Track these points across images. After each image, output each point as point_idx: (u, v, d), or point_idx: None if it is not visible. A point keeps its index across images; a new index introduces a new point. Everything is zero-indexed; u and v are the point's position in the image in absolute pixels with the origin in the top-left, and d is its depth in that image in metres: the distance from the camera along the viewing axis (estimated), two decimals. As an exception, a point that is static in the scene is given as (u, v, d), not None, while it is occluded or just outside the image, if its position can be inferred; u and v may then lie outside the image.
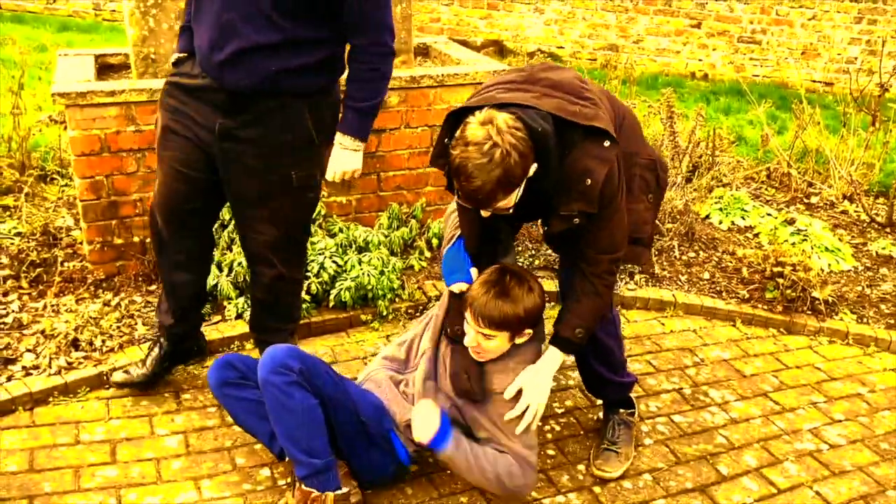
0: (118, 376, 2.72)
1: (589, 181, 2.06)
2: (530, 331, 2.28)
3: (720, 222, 4.50)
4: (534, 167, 2.01)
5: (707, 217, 4.53)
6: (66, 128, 3.20)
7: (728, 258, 4.09)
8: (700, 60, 8.15)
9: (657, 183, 2.42)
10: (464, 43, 6.82)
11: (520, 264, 2.28)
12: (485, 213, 2.14)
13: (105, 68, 3.52)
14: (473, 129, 1.93)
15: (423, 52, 4.22)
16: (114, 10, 8.28)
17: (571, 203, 2.09)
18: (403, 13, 3.67)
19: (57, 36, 7.25)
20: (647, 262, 2.64)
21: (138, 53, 3.25)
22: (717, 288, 3.83)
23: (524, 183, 2.02)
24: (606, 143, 2.07)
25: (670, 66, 8.17)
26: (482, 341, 2.23)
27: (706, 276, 3.93)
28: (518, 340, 2.28)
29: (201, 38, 2.25)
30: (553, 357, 2.31)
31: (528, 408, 2.24)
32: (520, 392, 2.25)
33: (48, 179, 4.09)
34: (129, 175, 3.21)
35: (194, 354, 2.87)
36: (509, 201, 2.02)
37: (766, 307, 3.68)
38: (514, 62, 6.90)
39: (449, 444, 2.20)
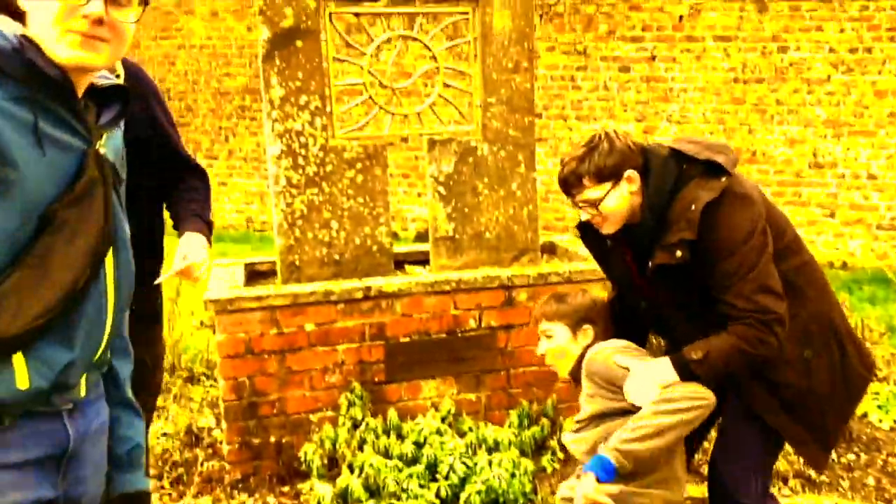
0: None
1: (693, 207, 2.05)
2: (589, 327, 2.37)
3: (880, 421, 4.12)
4: (635, 178, 2.13)
5: (864, 415, 4.17)
6: (214, 331, 3.42)
7: (894, 461, 3.70)
8: (837, 249, 7.89)
9: (838, 355, 2.22)
10: (589, 240, 6.93)
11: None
12: (584, 215, 2.21)
13: (254, 275, 3.80)
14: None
15: (550, 249, 4.31)
16: (264, 221, 9.05)
17: (676, 233, 2.07)
18: (530, 214, 3.81)
19: (212, 247, 7.94)
20: (823, 466, 2.39)
21: (284, 261, 3.50)
22: (886, 495, 3.43)
23: (623, 190, 2.12)
24: (723, 179, 2.07)
25: (805, 256, 7.94)
26: (546, 344, 2.41)
27: (871, 481, 3.55)
28: (581, 339, 2.37)
29: None
30: (662, 362, 2.15)
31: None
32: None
33: (195, 381, 4.31)
34: (269, 376, 3.34)
35: None
36: (600, 196, 2.13)
37: (947, 518, 3.25)
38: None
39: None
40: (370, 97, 3.63)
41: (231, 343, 3.28)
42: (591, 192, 2.12)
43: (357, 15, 3.67)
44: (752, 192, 2.12)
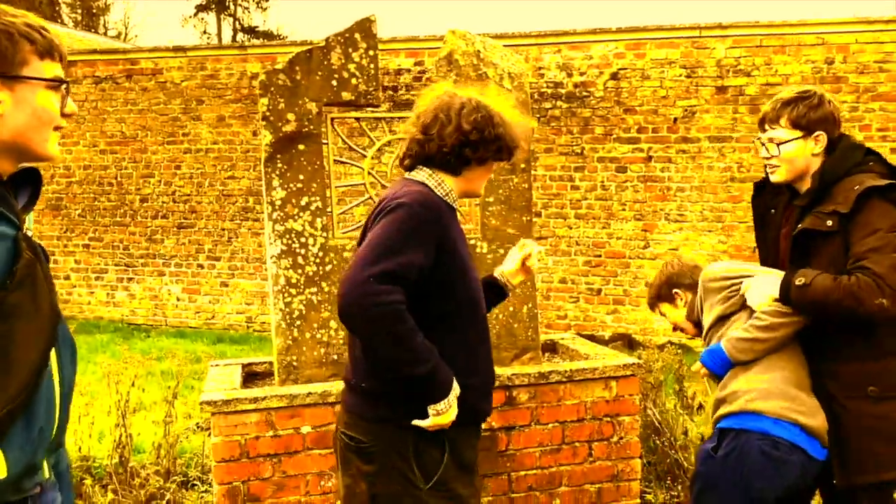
0: None
1: (856, 187, 2.19)
2: (679, 291, 2.75)
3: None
4: (822, 140, 2.29)
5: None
6: (210, 434, 3.34)
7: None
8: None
9: None
10: (591, 338, 6.89)
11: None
12: (763, 152, 2.36)
13: (251, 376, 3.75)
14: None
15: (551, 348, 4.27)
16: (263, 322, 9.03)
17: (831, 205, 2.22)
18: (530, 312, 3.80)
19: (212, 347, 7.89)
20: None
21: (281, 361, 3.46)
22: None
23: (808, 146, 2.28)
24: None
25: None
26: (666, 320, 2.87)
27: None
28: (679, 305, 2.77)
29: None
30: (772, 277, 2.34)
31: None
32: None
33: (189, 486, 4.19)
34: (265, 480, 3.25)
35: None
36: (786, 139, 2.28)
37: None
38: (645, 355, 6.86)
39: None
40: (371, 197, 3.68)
41: (226, 446, 3.20)
42: (781, 132, 2.30)
43: (359, 119, 3.76)
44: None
